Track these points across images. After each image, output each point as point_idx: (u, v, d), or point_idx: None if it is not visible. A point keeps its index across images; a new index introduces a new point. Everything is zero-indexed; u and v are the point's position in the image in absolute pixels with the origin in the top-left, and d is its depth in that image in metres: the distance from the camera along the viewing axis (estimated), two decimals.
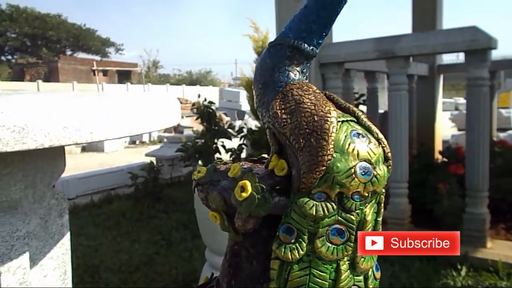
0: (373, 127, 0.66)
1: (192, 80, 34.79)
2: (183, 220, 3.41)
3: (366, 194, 0.61)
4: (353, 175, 0.60)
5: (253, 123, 9.43)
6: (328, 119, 0.61)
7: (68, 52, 31.09)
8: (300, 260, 0.62)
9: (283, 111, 0.64)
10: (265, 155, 0.77)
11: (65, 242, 1.19)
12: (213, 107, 3.89)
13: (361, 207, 0.61)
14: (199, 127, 4.70)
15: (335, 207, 0.60)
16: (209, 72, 39.15)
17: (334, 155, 0.60)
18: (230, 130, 4.00)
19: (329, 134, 0.59)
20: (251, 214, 0.64)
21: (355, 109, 0.67)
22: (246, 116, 13.17)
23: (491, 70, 3.03)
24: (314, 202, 0.60)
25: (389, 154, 0.65)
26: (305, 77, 0.70)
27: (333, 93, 0.73)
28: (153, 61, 36.74)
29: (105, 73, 27.89)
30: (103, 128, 0.88)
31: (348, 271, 0.63)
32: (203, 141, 3.83)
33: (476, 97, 2.45)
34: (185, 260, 2.65)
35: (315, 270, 0.63)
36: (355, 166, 0.60)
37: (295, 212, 0.63)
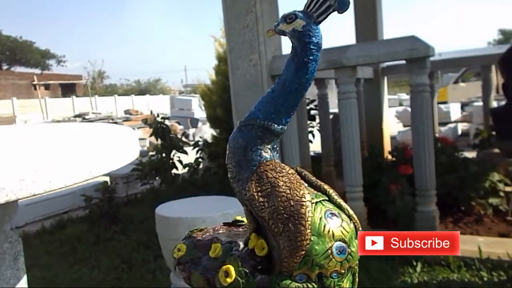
0: (344, 204, 0.70)
1: (141, 89, 34.10)
2: (143, 240, 3.34)
3: (343, 271, 0.65)
4: (330, 256, 0.63)
5: (208, 131, 9.40)
6: (303, 203, 0.64)
7: (5, 67, 29.47)
8: None
9: (259, 193, 0.67)
10: (239, 218, 0.78)
11: (22, 286, 1.14)
12: (167, 123, 3.84)
13: (339, 283, 0.65)
14: (152, 139, 4.63)
15: (315, 286, 0.64)
16: (158, 80, 38.57)
17: (312, 239, 0.63)
18: (184, 139, 3.98)
19: (306, 219, 0.63)
20: None
21: (325, 186, 0.71)
22: (200, 124, 13.10)
23: (430, 71, 3.21)
24: (296, 284, 0.63)
25: (360, 229, 0.70)
26: (275, 152, 0.73)
27: (300, 169, 0.76)
28: (98, 71, 35.65)
29: (47, 87, 26.71)
30: (62, 175, 0.86)
31: None
32: (158, 156, 3.78)
33: (419, 102, 2.60)
34: (149, 282, 2.60)
35: None
36: (331, 247, 0.64)
37: None
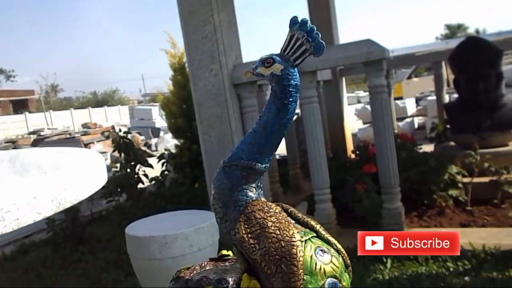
0: (331, 239, 0.72)
1: (98, 101, 33.19)
2: (112, 259, 3.25)
3: None
4: None
5: (172, 140, 9.27)
6: (294, 243, 0.65)
7: None
8: None
9: (249, 235, 0.67)
10: (224, 252, 0.78)
11: None
12: (129, 137, 3.77)
13: None
14: (113, 151, 4.51)
15: None
16: (115, 91, 37.67)
17: (305, 278, 0.64)
18: (147, 149, 3.91)
19: (298, 259, 0.64)
20: None
21: (312, 222, 0.72)
22: (162, 133, 12.91)
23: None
24: None
25: (348, 261, 0.71)
26: (260, 190, 0.74)
27: (286, 205, 0.76)
28: (51, 85, 34.41)
29: None
30: (29, 211, 0.83)
31: None
32: (123, 172, 3.70)
33: (378, 103, 2.68)
34: None
35: None
36: (323, 284, 0.65)
37: None
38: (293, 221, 0.72)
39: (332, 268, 0.68)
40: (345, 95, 4.94)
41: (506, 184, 3.08)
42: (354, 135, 6.07)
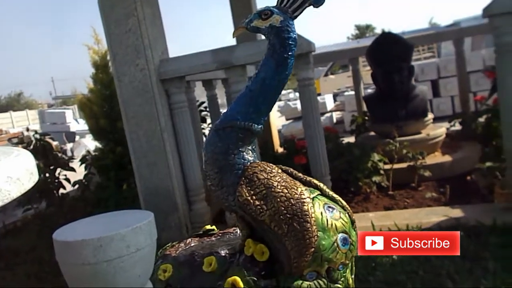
0: (336, 196, 0.71)
1: (2, 105, 30.40)
2: (34, 272, 2.99)
3: (347, 262, 0.65)
4: (337, 249, 0.63)
5: (89, 144, 8.76)
6: (304, 201, 0.62)
7: None
8: None
9: (254, 197, 0.63)
10: (208, 227, 0.74)
11: None
12: (48, 139, 3.49)
13: (344, 274, 0.65)
14: None
15: (326, 282, 0.63)
16: (20, 94, 34.77)
17: (318, 234, 0.62)
18: (63, 155, 3.65)
19: (310, 216, 0.61)
20: None
21: (315, 181, 0.70)
22: (78, 137, 12.16)
23: None
24: (308, 283, 0.62)
25: (353, 218, 0.71)
26: (255, 153, 0.71)
27: (285, 167, 0.74)
28: None
29: None
30: None
31: None
32: (42, 177, 3.41)
33: (307, 96, 2.76)
34: None
35: None
36: (336, 240, 0.63)
37: None
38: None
39: (342, 223, 0.68)
40: None
41: (421, 168, 3.34)
42: (278, 131, 6.22)
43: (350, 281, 0.71)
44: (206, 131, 4.60)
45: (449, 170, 3.47)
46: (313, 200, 0.69)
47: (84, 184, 3.42)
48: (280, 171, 0.72)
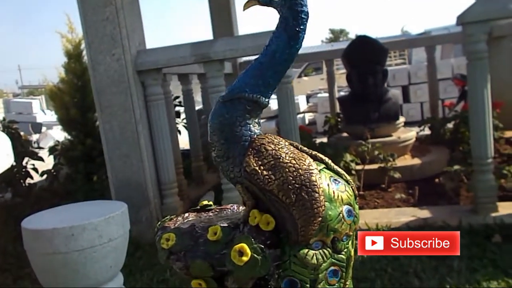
0: (341, 170, 0.72)
1: None
2: None
3: (351, 234, 0.66)
4: (342, 219, 0.64)
5: (57, 135, 8.51)
6: (312, 171, 0.63)
7: None
8: None
9: (262, 167, 0.63)
10: (205, 202, 0.73)
11: None
12: (16, 126, 3.36)
13: (347, 246, 0.66)
14: None
15: (330, 252, 0.64)
16: None
17: (325, 205, 0.63)
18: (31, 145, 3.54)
19: (318, 186, 0.62)
20: (252, 276, 0.62)
21: (320, 155, 0.71)
22: (44, 128, 11.78)
23: None
24: (314, 252, 0.62)
25: (356, 192, 0.72)
26: (260, 127, 0.70)
27: (290, 141, 0.74)
28: None
29: None
30: None
31: None
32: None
33: (284, 93, 2.78)
34: None
35: None
36: (342, 211, 0.64)
37: (295, 265, 0.65)
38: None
39: (347, 196, 0.69)
40: None
41: (392, 170, 3.42)
42: None
43: (352, 253, 0.72)
44: (180, 126, 4.56)
45: (418, 172, 3.57)
46: (320, 172, 0.71)
47: (53, 174, 3.31)
48: (287, 143, 0.73)
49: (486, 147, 2.57)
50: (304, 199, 0.66)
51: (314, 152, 0.77)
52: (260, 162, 0.68)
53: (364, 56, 3.81)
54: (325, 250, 0.68)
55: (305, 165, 0.69)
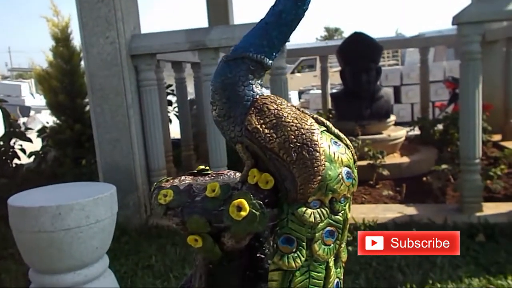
0: (341, 134, 0.72)
1: None
2: None
3: (349, 196, 0.67)
4: (341, 180, 0.65)
5: (45, 119, 8.40)
6: (314, 131, 0.63)
7: None
8: (300, 266, 0.65)
9: (263, 126, 0.63)
10: (202, 167, 0.73)
11: None
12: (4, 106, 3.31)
13: (344, 208, 0.67)
14: None
15: (328, 211, 0.64)
16: None
17: (325, 164, 0.63)
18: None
19: (319, 145, 0.62)
20: (250, 231, 0.62)
21: (322, 119, 0.71)
22: (33, 112, 11.63)
23: None
24: (312, 210, 0.63)
25: (355, 157, 0.73)
26: (263, 88, 0.70)
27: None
28: None
29: None
30: None
31: (333, 267, 0.69)
32: None
33: (278, 84, 2.78)
34: None
35: (313, 273, 0.68)
36: (341, 172, 0.65)
37: (293, 222, 0.66)
38: None
39: (347, 158, 0.69)
40: None
41: (380, 167, 3.44)
42: None
43: (349, 216, 0.73)
44: (172, 115, 4.53)
45: (407, 170, 3.61)
46: (321, 133, 0.71)
47: (41, 156, 3.27)
48: (290, 104, 0.73)
49: (474, 147, 2.60)
50: (305, 158, 0.67)
51: (315, 115, 0.77)
52: (262, 121, 0.69)
53: (358, 53, 3.83)
54: (323, 210, 0.69)
55: (307, 124, 0.69)
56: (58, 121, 4.01)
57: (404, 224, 2.64)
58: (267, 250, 0.73)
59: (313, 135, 0.68)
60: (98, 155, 2.92)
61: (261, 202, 0.66)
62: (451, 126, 3.89)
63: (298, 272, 0.69)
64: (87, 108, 3.80)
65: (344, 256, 0.76)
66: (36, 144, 3.65)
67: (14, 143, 3.24)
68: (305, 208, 0.68)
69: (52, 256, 1.63)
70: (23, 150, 3.33)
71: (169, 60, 3.72)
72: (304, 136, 0.68)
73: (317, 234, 0.68)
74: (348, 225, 0.74)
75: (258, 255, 0.72)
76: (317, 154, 0.67)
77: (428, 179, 3.31)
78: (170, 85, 4.39)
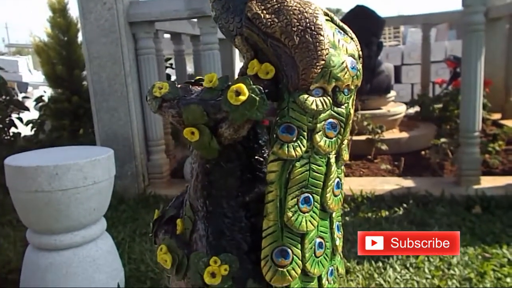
0: (346, 27, 0.70)
1: None
2: None
3: (353, 88, 0.65)
4: (346, 69, 0.63)
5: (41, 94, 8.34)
6: (318, 15, 0.61)
7: None
8: (300, 157, 0.63)
9: (265, 11, 0.62)
10: (200, 77, 0.71)
11: None
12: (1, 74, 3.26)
13: (347, 101, 0.65)
14: None
15: (331, 101, 0.63)
16: None
17: (329, 49, 0.61)
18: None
19: (323, 29, 0.60)
20: (248, 118, 0.60)
21: (326, 10, 0.69)
22: (31, 88, 11.53)
23: None
24: (314, 98, 0.61)
25: (360, 53, 0.71)
26: None
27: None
28: None
29: None
30: None
31: (335, 164, 0.67)
32: None
33: None
34: None
35: (313, 165, 0.66)
36: (345, 60, 0.63)
37: (293, 110, 0.64)
38: None
39: (352, 48, 0.68)
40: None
41: (379, 142, 3.44)
42: None
43: (352, 111, 0.72)
44: None
45: (405, 146, 3.60)
46: (325, 21, 0.69)
47: (39, 124, 3.25)
48: None
49: (474, 120, 2.59)
50: (308, 41, 0.65)
51: (318, 6, 0.75)
52: (263, 7, 0.67)
53: (360, 27, 3.75)
54: (325, 98, 0.67)
55: (310, 9, 0.67)
56: (55, 94, 3.97)
57: (401, 196, 2.65)
58: (266, 154, 0.72)
59: (317, 19, 0.66)
60: (96, 124, 2.90)
61: (261, 87, 0.65)
62: (451, 103, 3.87)
63: (298, 162, 0.67)
64: (85, 82, 3.77)
65: (345, 155, 0.75)
66: (35, 113, 3.62)
67: (11, 111, 3.21)
68: (306, 95, 0.66)
69: (50, 216, 1.63)
70: (21, 119, 3.31)
71: (168, 31, 3.66)
72: (307, 19, 0.65)
73: (318, 125, 0.66)
74: (351, 122, 0.73)
75: (256, 157, 0.71)
76: (321, 37, 0.65)
77: (426, 154, 3.31)
78: (169, 59, 4.34)
